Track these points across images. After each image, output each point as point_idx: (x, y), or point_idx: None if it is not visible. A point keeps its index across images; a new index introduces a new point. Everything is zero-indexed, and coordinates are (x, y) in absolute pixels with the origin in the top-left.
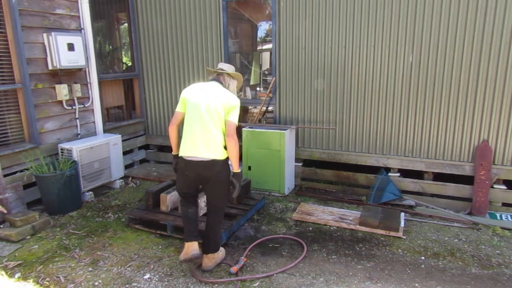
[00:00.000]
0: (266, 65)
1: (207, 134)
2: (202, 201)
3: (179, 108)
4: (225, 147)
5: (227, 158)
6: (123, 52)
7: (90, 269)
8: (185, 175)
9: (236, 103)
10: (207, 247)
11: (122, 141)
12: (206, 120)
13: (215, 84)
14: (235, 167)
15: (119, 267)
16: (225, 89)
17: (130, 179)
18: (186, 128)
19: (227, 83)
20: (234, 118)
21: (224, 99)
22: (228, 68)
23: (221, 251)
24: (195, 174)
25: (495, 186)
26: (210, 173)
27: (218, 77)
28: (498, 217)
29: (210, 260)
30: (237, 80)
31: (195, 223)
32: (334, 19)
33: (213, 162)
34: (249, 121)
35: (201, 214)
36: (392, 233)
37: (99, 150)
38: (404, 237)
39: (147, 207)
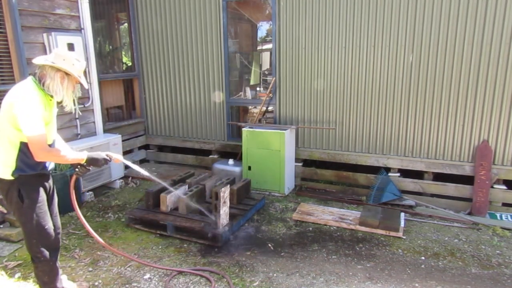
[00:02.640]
0: (266, 65)
1: None
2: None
3: None
4: (24, 164)
5: (15, 181)
6: (123, 52)
7: (90, 269)
8: None
9: (18, 103)
10: None
11: (122, 141)
12: None
13: (24, 81)
14: (80, 159)
15: (119, 267)
16: (27, 87)
17: (130, 179)
18: None
19: (44, 77)
20: (26, 127)
21: (8, 99)
22: (54, 58)
23: None
24: None
25: (495, 186)
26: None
27: (39, 71)
28: (498, 217)
29: None
30: (64, 72)
31: None
32: (334, 19)
33: None
34: (249, 121)
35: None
36: (392, 233)
37: (99, 150)
38: (404, 237)
39: (147, 207)
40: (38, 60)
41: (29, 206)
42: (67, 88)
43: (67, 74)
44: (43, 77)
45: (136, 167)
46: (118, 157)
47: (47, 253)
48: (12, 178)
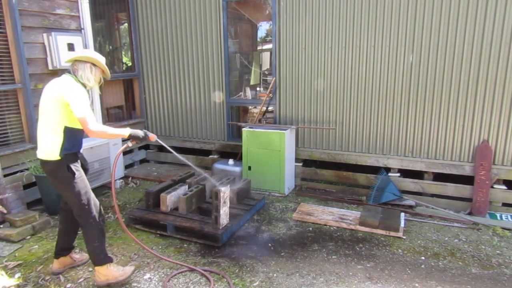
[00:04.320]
0: (266, 65)
1: (40, 133)
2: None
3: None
4: (65, 146)
5: (63, 160)
6: (123, 52)
7: (90, 269)
8: None
9: (69, 92)
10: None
11: (122, 141)
12: (40, 119)
13: (62, 76)
14: (124, 135)
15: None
16: (68, 80)
17: (130, 179)
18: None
19: (77, 70)
20: (78, 110)
21: (56, 91)
22: (81, 53)
23: (111, 268)
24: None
25: (495, 186)
26: (46, 173)
27: (71, 67)
28: (498, 217)
29: (96, 275)
30: (91, 63)
31: (60, 240)
32: (334, 19)
33: (43, 162)
34: (249, 121)
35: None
36: (392, 233)
37: (99, 150)
38: (404, 237)
39: (147, 207)
40: (68, 57)
41: (79, 177)
42: (95, 76)
43: (93, 65)
44: (76, 70)
45: (168, 148)
46: (153, 135)
47: (98, 217)
48: (59, 158)
